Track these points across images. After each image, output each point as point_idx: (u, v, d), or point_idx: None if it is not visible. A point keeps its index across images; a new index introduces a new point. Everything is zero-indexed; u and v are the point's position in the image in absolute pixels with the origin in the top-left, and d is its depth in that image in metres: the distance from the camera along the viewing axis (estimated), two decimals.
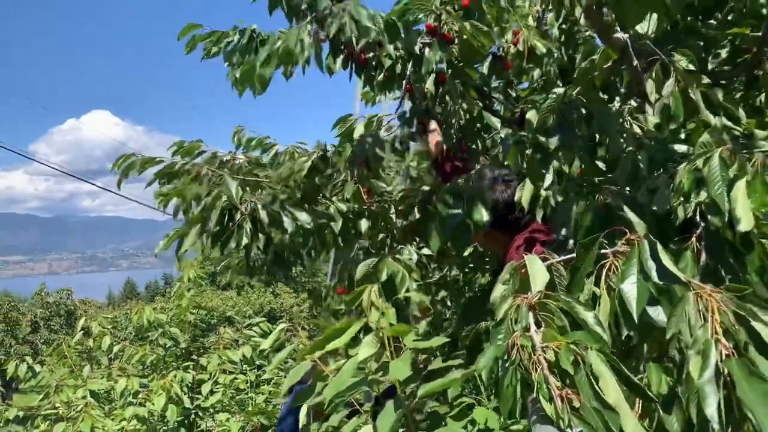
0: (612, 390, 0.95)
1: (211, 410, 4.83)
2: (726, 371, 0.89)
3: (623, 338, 1.12)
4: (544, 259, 1.32)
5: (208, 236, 2.08)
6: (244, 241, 1.99)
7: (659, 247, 1.09)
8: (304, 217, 2.10)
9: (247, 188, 2.18)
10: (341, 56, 2.22)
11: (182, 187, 2.20)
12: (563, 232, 1.54)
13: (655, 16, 1.57)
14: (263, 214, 2.01)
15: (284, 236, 2.02)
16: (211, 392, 4.80)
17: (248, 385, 5.07)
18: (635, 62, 1.73)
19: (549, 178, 1.67)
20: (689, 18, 2.72)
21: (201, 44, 2.62)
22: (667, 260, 1.07)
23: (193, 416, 4.75)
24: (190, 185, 2.25)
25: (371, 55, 2.25)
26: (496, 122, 2.67)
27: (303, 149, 2.55)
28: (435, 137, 2.45)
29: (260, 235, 2.04)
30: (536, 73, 2.86)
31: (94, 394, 4.86)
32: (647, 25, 1.55)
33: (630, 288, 1.08)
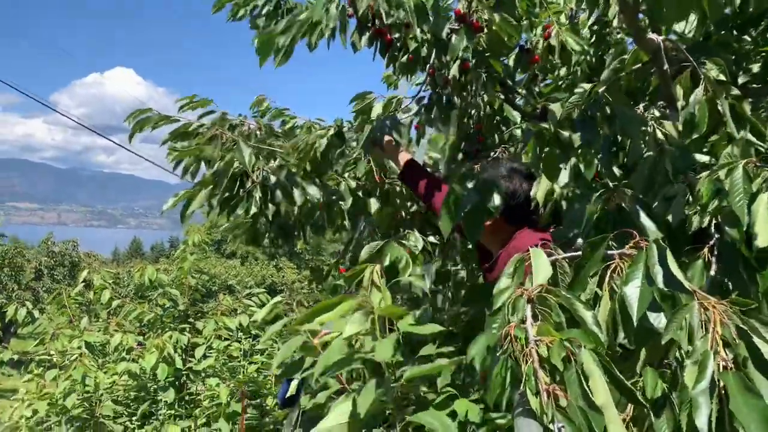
0: (601, 391, 0.93)
1: (203, 374, 4.86)
2: (722, 384, 0.88)
3: (621, 342, 1.10)
4: (549, 254, 1.30)
5: (217, 201, 2.07)
6: (253, 209, 1.98)
7: (668, 252, 1.06)
8: (313, 190, 2.09)
9: (260, 157, 2.16)
10: (367, 33, 2.18)
11: (196, 147, 2.19)
12: (573, 230, 1.50)
13: (693, 18, 1.53)
14: (273, 181, 2.00)
15: (292, 208, 2.00)
16: (204, 356, 4.82)
17: (242, 353, 5.10)
18: (666, 66, 1.68)
19: (565, 176, 1.65)
20: (723, 32, 2.67)
21: (229, 5, 2.61)
22: (674, 267, 1.04)
23: (183, 378, 4.78)
24: (204, 146, 2.24)
25: (397, 35, 2.22)
26: (516, 116, 2.66)
27: (321, 125, 2.53)
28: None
29: (270, 204, 2.01)
30: (563, 71, 2.82)
31: (89, 345, 4.90)
32: (685, 25, 1.51)
33: (632, 291, 1.06)
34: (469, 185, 1.55)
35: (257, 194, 2.00)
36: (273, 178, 2.05)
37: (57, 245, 25.02)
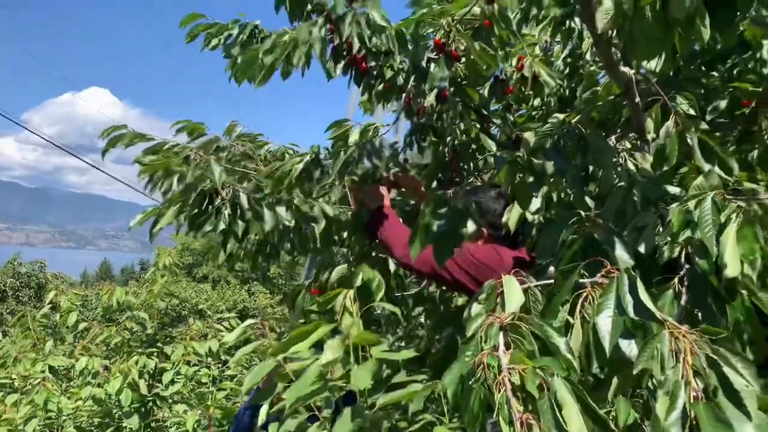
0: (575, 420, 0.92)
1: (170, 400, 4.75)
2: (693, 414, 0.88)
3: (593, 371, 1.09)
4: (521, 282, 1.31)
5: (185, 217, 2.04)
6: (221, 226, 1.96)
7: (638, 281, 1.08)
8: (285, 213, 2.07)
9: (233, 177, 2.15)
10: (342, 62, 2.21)
11: (165, 160, 2.17)
12: (546, 257, 1.52)
13: (663, 55, 1.57)
14: (244, 201, 1.98)
15: (262, 228, 1.98)
16: (172, 382, 4.72)
17: (210, 379, 5.00)
18: (637, 99, 1.73)
19: (537, 203, 1.66)
20: (692, 67, 2.75)
21: (203, 35, 2.62)
22: (644, 296, 1.06)
23: (150, 404, 4.67)
24: (174, 160, 2.21)
25: (372, 64, 2.24)
26: (491, 145, 2.69)
27: (295, 150, 2.53)
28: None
29: (239, 222, 2.01)
30: (536, 101, 2.87)
31: (53, 369, 4.77)
32: (655, 63, 1.55)
33: (605, 321, 1.07)
34: (442, 212, 1.54)
35: (226, 211, 1.99)
36: (244, 198, 2.04)
37: (23, 266, 24.43)
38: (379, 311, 2.48)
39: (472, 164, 2.71)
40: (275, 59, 1.80)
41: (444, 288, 2.61)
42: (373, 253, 2.52)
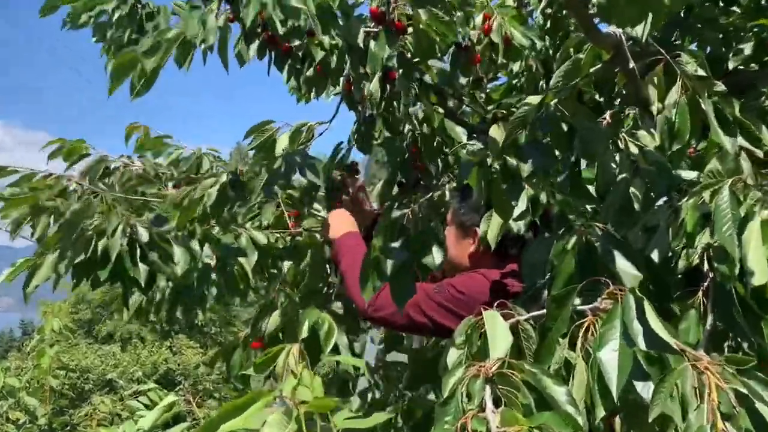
0: None
1: None
2: None
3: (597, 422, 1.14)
4: (507, 316, 1.34)
5: (68, 267, 2.05)
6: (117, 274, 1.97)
7: (646, 303, 1.11)
8: (201, 248, 2.09)
9: (129, 208, 2.18)
10: (257, 42, 2.24)
11: (30, 195, 2.16)
12: (534, 278, 1.57)
13: (650, 16, 1.63)
14: (145, 238, 2.02)
15: (172, 271, 2.01)
16: None
17: None
18: (631, 64, 1.76)
19: (520, 207, 1.69)
20: (706, 3, 2.83)
21: (66, 8, 2.57)
22: (655, 321, 1.09)
23: None
24: (45, 193, 2.20)
25: (297, 43, 2.28)
26: (461, 133, 2.72)
27: (216, 156, 2.54)
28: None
29: (141, 266, 2.03)
30: (516, 66, 2.93)
31: None
32: (641, 28, 1.61)
33: (609, 357, 1.11)
34: (397, 238, 1.57)
35: (124, 253, 2.01)
36: (144, 234, 2.06)
37: None
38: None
39: (439, 160, 2.75)
40: (157, 64, 1.80)
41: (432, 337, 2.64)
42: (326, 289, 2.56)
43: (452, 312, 2.10)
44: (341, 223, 2.44)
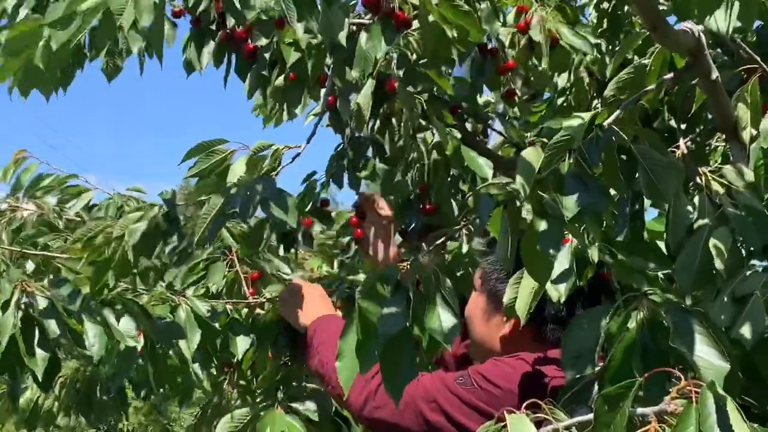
0: None
1: None
2: None
3: None
4: (540, 423, 1.25)
5: None
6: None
7: (730, 405, 1.05)
8: (124, 325, 1.98)
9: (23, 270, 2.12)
10: (212, 42, 2.18)
11: None
12: (579, 369, 1.47)
13: (737, 6, 1.57)
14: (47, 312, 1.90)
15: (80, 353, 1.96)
16: None
17: None
18: (714, 74, 1.66)
19: (562, 264, 1.64)
20: None
21: None
22: (741, 426, 1.03)
23: None
24: None
25: (263, 42, 2.20)
26: (484, 166, 2.62)
27: (140, 200, 2.55)
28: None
29: (38, 353, 1.90)
30: (563, 78, 2.84)
31: None
32: (724, 18, 1.54)
33: None
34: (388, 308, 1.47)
35: (16, 331, 1.85)
36: (43, 302, 1.89)
37: None
38: None
39: (453, 202, 2.66)
40: (68, 38, 1.61)
41: None
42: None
43: (480, 412, 1.96)
44: (312, 300, 2.39)
